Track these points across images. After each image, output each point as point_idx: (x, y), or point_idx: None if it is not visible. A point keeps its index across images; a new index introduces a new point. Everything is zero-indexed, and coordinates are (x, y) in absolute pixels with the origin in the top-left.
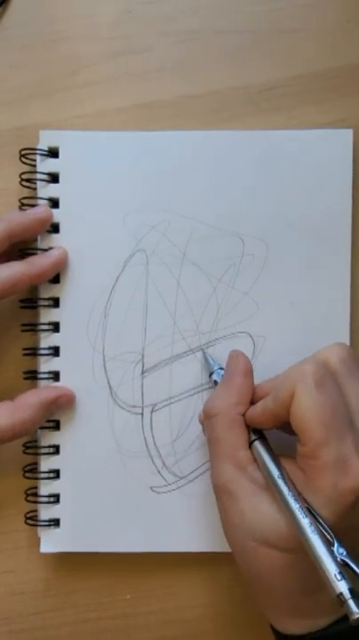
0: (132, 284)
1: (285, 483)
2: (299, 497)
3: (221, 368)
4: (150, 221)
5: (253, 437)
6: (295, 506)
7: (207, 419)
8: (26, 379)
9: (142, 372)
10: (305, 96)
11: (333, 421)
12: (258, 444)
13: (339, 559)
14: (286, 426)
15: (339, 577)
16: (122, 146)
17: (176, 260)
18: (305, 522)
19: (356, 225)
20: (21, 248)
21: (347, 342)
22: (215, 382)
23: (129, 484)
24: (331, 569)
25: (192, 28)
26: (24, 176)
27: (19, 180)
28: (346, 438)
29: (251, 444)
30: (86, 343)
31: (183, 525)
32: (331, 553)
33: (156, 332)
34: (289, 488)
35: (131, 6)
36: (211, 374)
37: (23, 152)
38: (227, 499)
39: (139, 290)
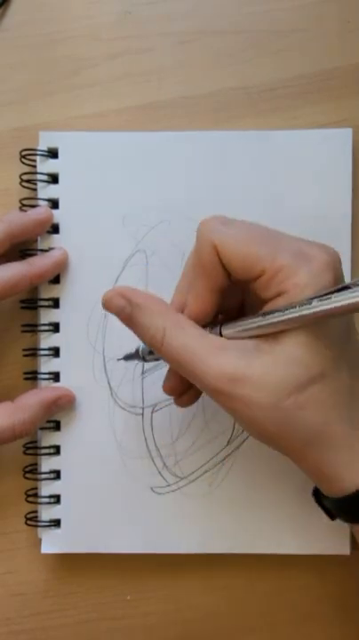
0: (132, 285)
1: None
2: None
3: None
4: (150, 222)
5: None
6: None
7: (159, 347)
8: (26, 379)
9: (142, 373)
10: (305, 96)
11: (265, 236)
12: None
13: None
14: (228, 302)
15: None
16: (121, 146)
17: (176, 261)
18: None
19: (356, 224)
20: (21, 249)
21: None
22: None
23: (129, 485)
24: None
25: (192, 28)
26: (24, 177)
27: (19, 180)
28: (283, 241)
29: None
30: (86, 343)
31: (183, 526)
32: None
33: None
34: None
35: (131, 7)
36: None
37: (23, 153)
38: (237, 386)
39: None
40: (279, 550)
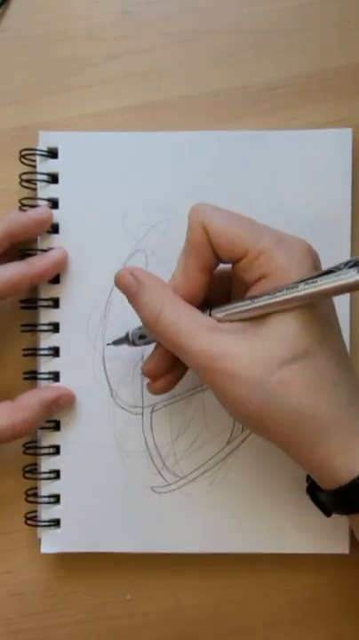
0: None
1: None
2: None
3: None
4: (150, 221)
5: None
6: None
7: (154, 323)
8: (26, 379)
9: (142, 372)
10: (305, 96)
11: (250, 223)
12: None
13: None
14: (215, 293)
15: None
16: (121, 146)
17: (175, 260)
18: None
19: (356, 224)
20: (21, 249)
21: (348, 343)
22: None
23: (129, 485)
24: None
25: (192, 28)
26: (24, 176)
27: (19, 180)
28: (266, 230)
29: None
30: (86, 343)
31: (183, 526)
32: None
33: None
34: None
35: (131, 7)
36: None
37: (23, 152)
38: (223, 362)
39: None
40: (279, 550)
